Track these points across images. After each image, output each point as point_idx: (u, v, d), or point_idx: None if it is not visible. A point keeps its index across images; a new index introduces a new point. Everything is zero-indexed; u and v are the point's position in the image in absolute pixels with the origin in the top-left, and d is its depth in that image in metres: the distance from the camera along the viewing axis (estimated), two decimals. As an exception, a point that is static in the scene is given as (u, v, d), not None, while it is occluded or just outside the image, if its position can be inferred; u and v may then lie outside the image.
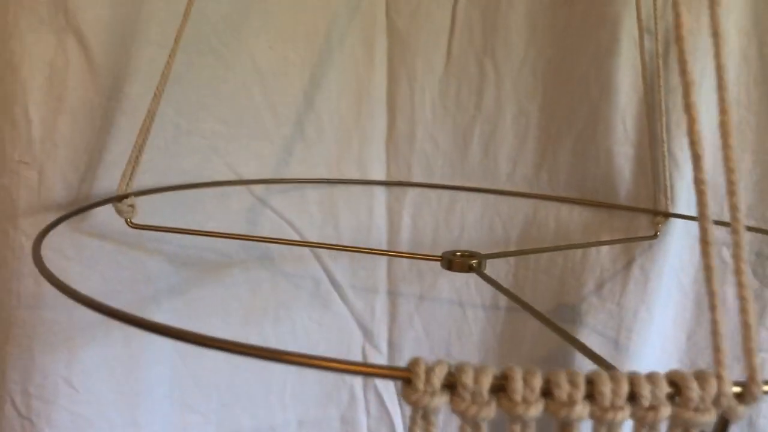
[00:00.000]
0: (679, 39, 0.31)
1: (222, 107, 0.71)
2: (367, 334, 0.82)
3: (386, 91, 0.79)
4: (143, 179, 0.68)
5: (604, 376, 0.28)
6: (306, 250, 0.78)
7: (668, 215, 0.72)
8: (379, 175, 0.80)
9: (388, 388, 0.81)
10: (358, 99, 0.78)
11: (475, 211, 0.80)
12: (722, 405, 0.28)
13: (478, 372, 0.28)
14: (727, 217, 0.76)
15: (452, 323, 0.82)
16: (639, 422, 0.28)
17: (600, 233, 0.76)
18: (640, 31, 0.71)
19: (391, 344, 0.83)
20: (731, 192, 0.30)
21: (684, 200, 0.74)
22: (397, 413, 0.82)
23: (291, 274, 0.78)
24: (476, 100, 0.78)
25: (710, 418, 0.28)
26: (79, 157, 0.65)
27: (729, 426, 0.29)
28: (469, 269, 0.58)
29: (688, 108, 0.31)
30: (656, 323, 0.76)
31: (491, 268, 0.80)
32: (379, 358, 0.82)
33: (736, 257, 0.29)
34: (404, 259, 0.81)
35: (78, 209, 0.59)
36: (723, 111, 0.30)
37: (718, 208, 0.75)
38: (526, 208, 0.79)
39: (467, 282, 0.81)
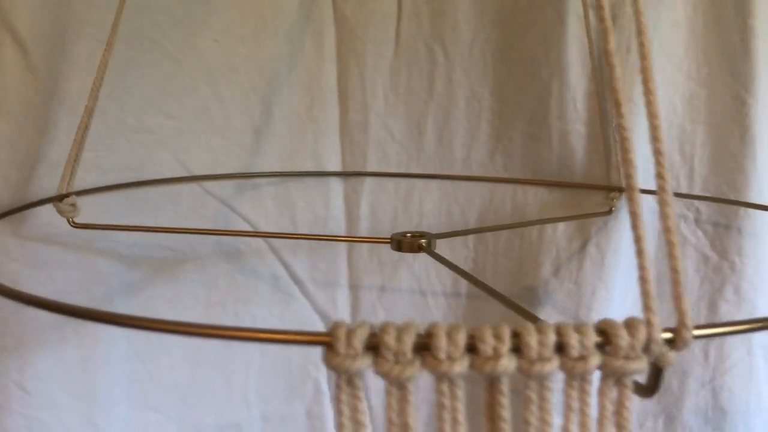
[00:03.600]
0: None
1: (169, 102, 0.70)
2: None
3: (337, 81, 0.78)
4: (90, 178, 0.67)
5: (530, 327, 0.27)
6: (263, 244, 0.77)
7: (622, 190, 0.72)
8: (335, 166, 0.79)
9: (352, 381, 0.79)
10: (309, 90, 0.77)
11: (433, 198, 0.80)
12: (653, 352, 0.28)
13: (401, 331, 0.27)
14: (684, 191, 0.77)
15: (414, 312, 0.81)
16: (569, 373, 0.28)
17: (556, 213, 0.76)
18: (585, 8, 0.70)
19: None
20: (655, 137, 0.29)
21: (638, 176, 0.74)
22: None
23: (249, 270, 0.77)
24: (428, 86, 0.77)
25: (641, 365, 0.27)
26: (22, 157, 0.64)
27: (662, 374, 0.29)
28: (419, 249, 0.57)
29: (607, 55, 0.30)
30: (616, 301, 0.75)
31: (451, 254, 0.80)
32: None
33: (662, 202, 0.28)
34: (364, 250, 0.80)
35: (14, 209, 0.58)
36: (643, 56, 0.30)
37: (674, 181, 0.75)
38: (482, 192, 0.79)
39: (427, 270, 0.80)
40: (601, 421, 0.28)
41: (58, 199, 0.61)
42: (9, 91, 0.62)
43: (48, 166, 0.65)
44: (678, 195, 0.74)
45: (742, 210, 0.73)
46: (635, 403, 0.80)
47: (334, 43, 0.77)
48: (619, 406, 0.28)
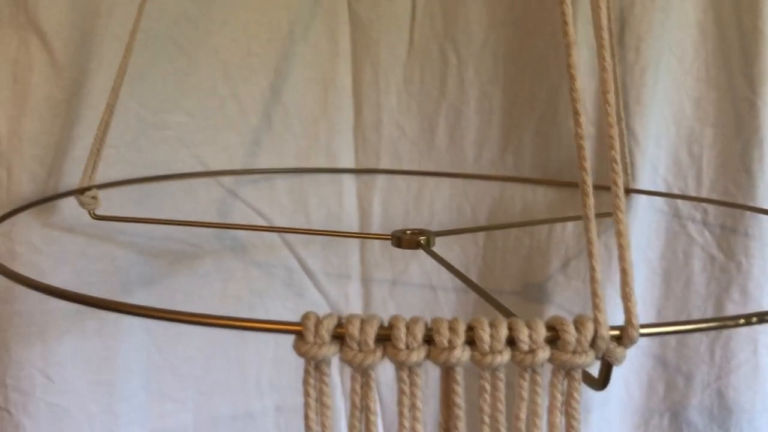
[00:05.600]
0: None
1: (187, 100, 0.73)
2: None
3: (351, 80, 0.80)
4: (111, 173, 0.70)
5: (484, 321, 0.29)
6: (277, 239, 0.79)
7: (628, 191, 0.73)
8: (348, 163, 0.81)
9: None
10: (323, 89, 0.79)
11: (444, 196, 0.81)
12: (600, 347, 0.29)
13: (365, 322, 0.29)
14: (692, 192, 0.77)
15: (425, 306, 0.83)
16: (519, 365, 0.29)
17: (564, 212, 0.77)
18: (595, 10, 0.71)
19: (366, 329, 0.83)
20: (610, 146, 0.30)
21: (646, 176, 0.75)
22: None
23: (263, 264, 0.80)
24: (440, 85, 0.79)
25: (588, 359, 0.29)
26: (46, 152, 0.67)
27: (611, 369, 0.30)
28: (417, 246, 0.59)
29: (569, 68, 0.32)
30: (623, 299, 0.76)
31: (461, 251, 0.82)
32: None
33: (615, 207, 0.30)
34: (376, 246, 0.82)
35: (37, 201, 0.61)
36: (603, 68, 0.31)
37: (681, 182, 0.76)
38: (492, 191, 0.80)
39: (437, 265, 0.81)
40: (551, 410, 0.30)
41: (79, 191, 0.64)
42: (34, 88, 0.65)
43: (71, 161, 0.67)
44: (682, 197, 0.75)
45: (749, 211, 0.73)
46: (640, 402, 0.80)
47: (349, 44, 0.79)
48: (569, 396, 0.30)
